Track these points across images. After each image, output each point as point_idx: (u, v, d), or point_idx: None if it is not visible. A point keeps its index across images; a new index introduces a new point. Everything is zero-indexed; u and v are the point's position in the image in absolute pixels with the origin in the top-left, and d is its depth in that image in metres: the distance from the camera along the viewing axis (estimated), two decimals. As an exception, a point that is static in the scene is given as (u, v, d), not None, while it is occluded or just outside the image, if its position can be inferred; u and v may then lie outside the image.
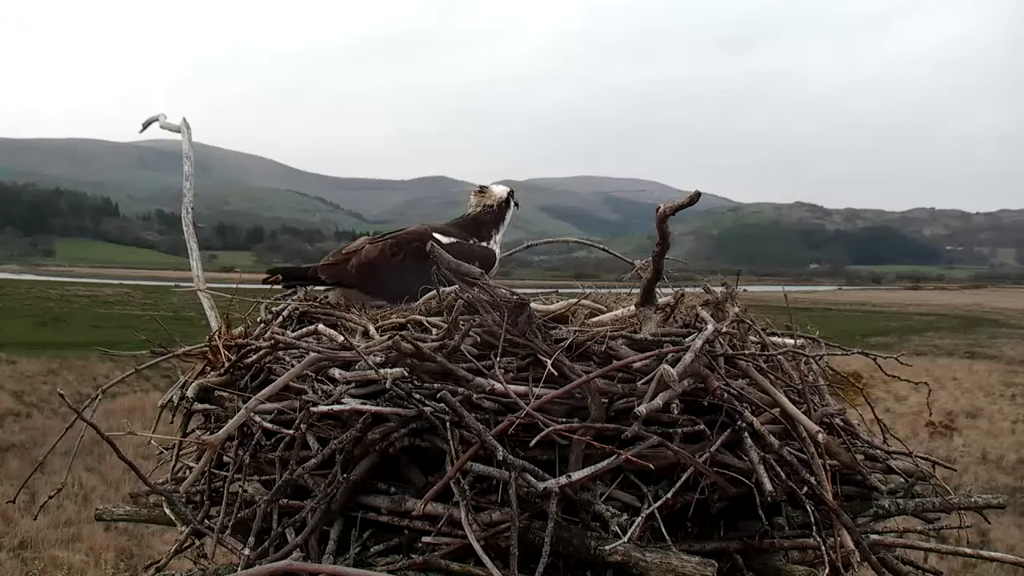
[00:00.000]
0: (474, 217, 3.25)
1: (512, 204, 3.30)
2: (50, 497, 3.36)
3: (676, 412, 2.33)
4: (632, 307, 2.83)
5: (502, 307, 2.54)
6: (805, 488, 2.41)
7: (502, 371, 2.43)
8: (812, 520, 2.39)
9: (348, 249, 3.18)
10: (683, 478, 2.28)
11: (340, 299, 3.21)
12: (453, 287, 2.70)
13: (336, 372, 2.51)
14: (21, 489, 3.63)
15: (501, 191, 3.28)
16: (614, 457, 2.19)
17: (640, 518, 2.20)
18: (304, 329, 2.84)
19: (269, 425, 2.51)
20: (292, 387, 2.55)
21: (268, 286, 3.28)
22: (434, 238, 3.04)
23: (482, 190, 3.28)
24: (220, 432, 2.55)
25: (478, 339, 2.57)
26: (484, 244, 3.13)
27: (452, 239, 3.09)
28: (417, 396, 2.31)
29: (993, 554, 3.08)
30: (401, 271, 2.99)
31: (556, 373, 2.37)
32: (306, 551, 2.36)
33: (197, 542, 2.88)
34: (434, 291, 2.81)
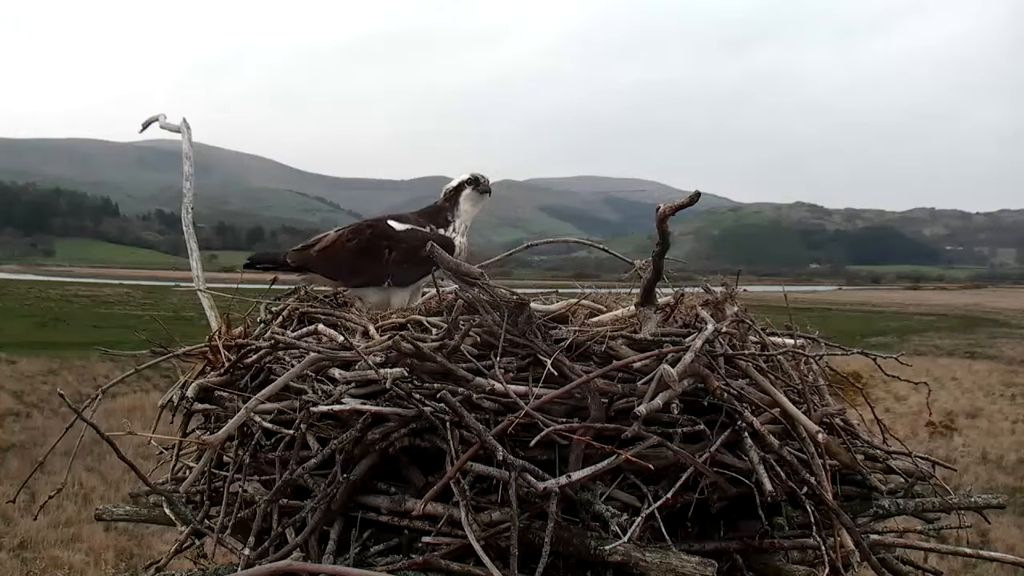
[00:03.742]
0: (435, 206, 3.32)
1: (467, 187, 3.30)
2: (50, 497, 3.36)
3: (676, 412, 2.33)
4: (632, 307, 2.83)
5: (502, 307, 2.54)
6: (805, 488, 2.42)
7: (502, 371, 2.43)
8: (812, 520, 2.39)
9: (316, 238, 3.27)
10: (683, 478, 2.28)
11: (309, 285, 3.32)
12: (453, 287, 2.71)
13: (336, 372, 2.52)
14: (21, 489, 3.63)
15: (449, 185, 3.33)
16: (614, 457, 2.19)
17: (640, 518, 2.20)
18: (304, 329, 2.84)
19: (269, 425, 2.51)
20: (292, 387, 2.55)
21: (270, 286, 3.34)
22: (389, 225, 3.14)
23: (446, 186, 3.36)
24: (220, 432, 2.55)
25: (478, 339, 2.57)
26: (441, 231, 3.19)
27: (408, 226, 3.17)
28: (417, 396, 2.31)
29: (993, 554, 3.08)
30: (356, 255, 3.09)
31: (556, 373, 2.37)
32: (306, 551, 2.36)
33: (197, 542, 2.88)
34: (434, 291, 2.83)
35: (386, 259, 3.05)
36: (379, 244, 3.09)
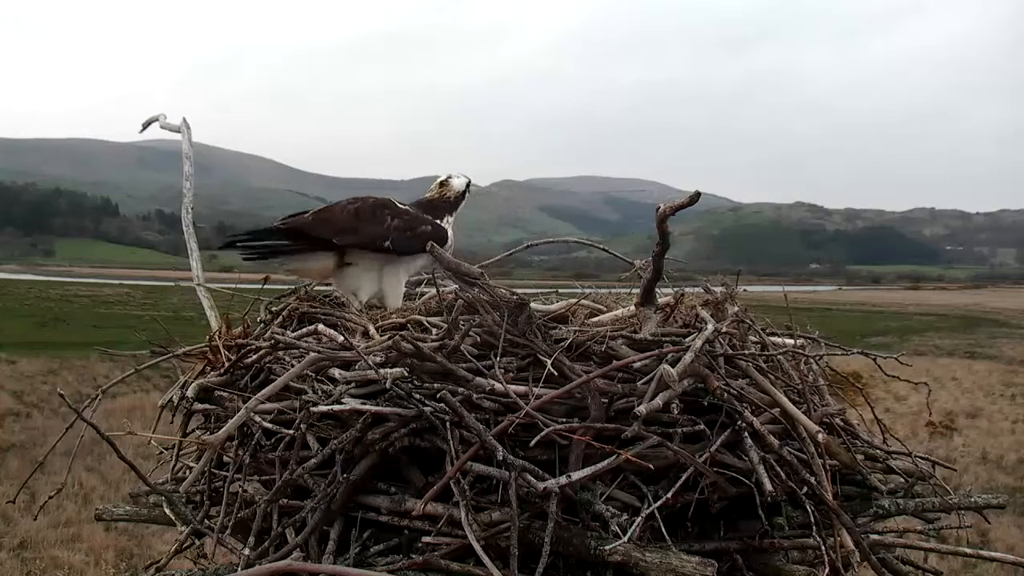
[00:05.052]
0: (429, 200, 3.34)
1: (469, 190, 3.42)
2: (50, 497, 3.36)
3: (676, 412, 2.33)
4: (632, 307, 2.83)
5: (502, 307, 2.54)
6: (805, 488, 2.42)
7: (502, 371, 2.43)
8: (812, 520, 2.39)
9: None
10: (683, 478, 2.28)
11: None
12: (453, 287, 2.71)
13: (336, 372, 2.51)
14: (21, 489, 3.63)
15: (459, 184, 3.38)
16: (614, 457, 2.19)
17: (640, 518, 2.20)
18: (304, 329, 2.84)
19: (269, 425, 2.51)
20: (292, 387, 2.55)
21: (262, 285, 3.33)
22: (391, 199, 3.16)
23: (444, 183, 3.38)
24: (220, 432, 2.55)
25: (478, 339, 2.57)
26: (437, 222, 3.23)
27: (408, 208, 3.20)
28: (417, 396, 2.31)
29: (993, 554, 3.08)
30: (356, 217, 3.05)
31: (556, 373, 2.37)
32: (306, 551, 2.36)
33: (197, 542, 2.88)
34: (434, 291, 2.82)
35: (388, 225, 3.04)
36: (382, 211, 3.08)
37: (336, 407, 2.36)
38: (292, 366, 2.56)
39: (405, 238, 3.04)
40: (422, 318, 2.84)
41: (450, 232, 3.23)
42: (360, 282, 3.11)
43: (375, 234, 3.02)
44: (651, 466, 2.22)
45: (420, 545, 2.34)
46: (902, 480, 2.83)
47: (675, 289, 2.90)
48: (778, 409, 2.55)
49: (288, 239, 3.05)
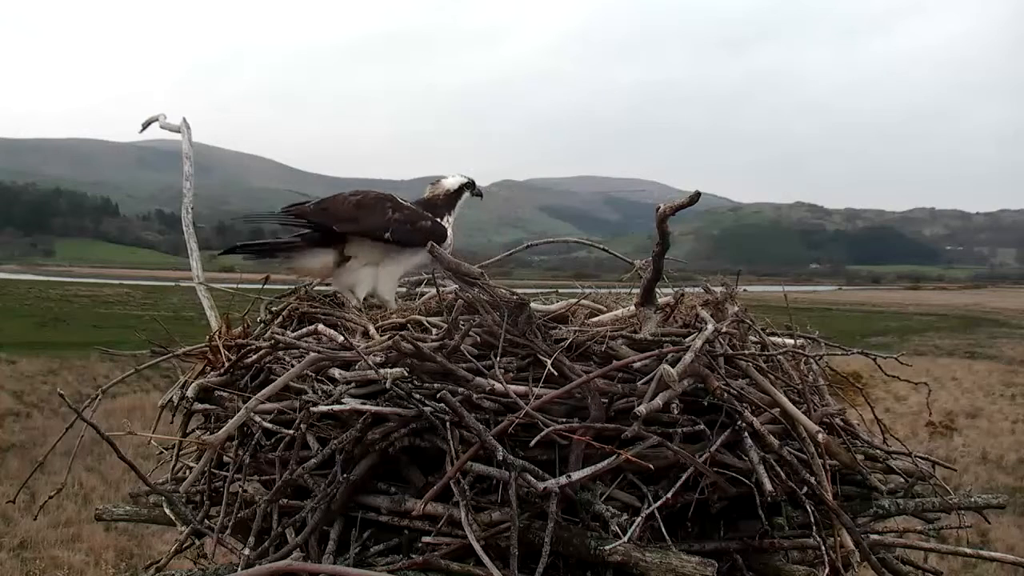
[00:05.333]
0: (427, 199, 3.37)
1: (466, 191, 3.43)
2: (50, 497, 3.36)
3: (676, 412, 2.33)
4: (632, 307, 2.83)
5: (502, 307, 2.54)
6: (805, 488, 2.42)
7: (502, 371, 2.43)
8: (812, 520, 2.39)
9: None
10: (683, 478, 2.28)
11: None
12: (453, 287, 2.71)
13: (336, 372, 2.51)
14: (21, 489, 3.63)
15: (451, 182, 3.40)
16: (614, 457, 2.19)
17: (640, 518, 2.20)
18: (304, 329, 2.84)
19: (269, 425, 2.52)
20: (292, 387, 2.55)
21: (262, 285, 3.34)
22: (392, 195, 3.19)
23: (435, 182, 3.41)
24: (220, 432, 2.55)
25: (478, 339, 2.57)
26: (437, 220, 3.26)
27: (409, 204, 3.22)
28: (417, 396, 2.31)
29: (993, 554, 3.08)
30: (358, 207, 3.08)
31: (556, 373, 2.37)
32: (306, 551, 2.36)
33: (197, 542, 2.88)
34: (434, 291, 2.82)
35: (389, 217, 3.07)
36: (383, 203, 3.11)
37: (336, 407, 2.36)
38: (292, 366, 2.57)
39: (405, 230, 3.07)
40: (422, 318, 2.84)
41: (449, 231, 3.24)
42: (358, 277, 3.11)
43: (376, 224, 3.05)
44: (651, 466, 2.22)
45: (420, 545, 2.34)
46: (902, 480, 2.83)
47: (675, 289, 2.90)
48: (778, 409, 2.55)
49: (290, 223, 3.10)
